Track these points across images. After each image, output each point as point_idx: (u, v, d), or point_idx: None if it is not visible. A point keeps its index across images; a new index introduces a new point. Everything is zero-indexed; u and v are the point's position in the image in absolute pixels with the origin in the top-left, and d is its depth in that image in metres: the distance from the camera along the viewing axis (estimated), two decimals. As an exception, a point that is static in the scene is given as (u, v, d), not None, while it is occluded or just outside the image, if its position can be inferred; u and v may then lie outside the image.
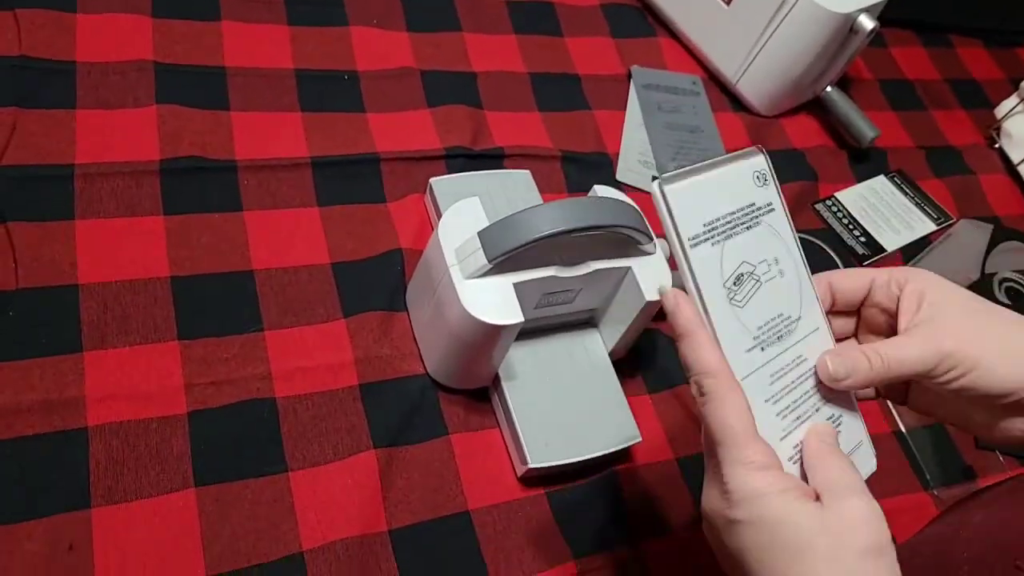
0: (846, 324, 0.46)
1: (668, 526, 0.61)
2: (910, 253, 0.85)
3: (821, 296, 0.43)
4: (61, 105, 0.63)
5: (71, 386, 0.53)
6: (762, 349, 0.40)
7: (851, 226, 0.86)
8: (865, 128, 0.88)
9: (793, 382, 0.41)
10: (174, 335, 0.56)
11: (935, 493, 0.69)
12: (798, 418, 0.41)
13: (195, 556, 0.50)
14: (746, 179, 0.41)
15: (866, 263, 0.83)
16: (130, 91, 0.66)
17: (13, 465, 0.49)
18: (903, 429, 0.72)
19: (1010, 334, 0.40)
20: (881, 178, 0.92)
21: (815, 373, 0.42)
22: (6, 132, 0.60)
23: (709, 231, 0.39)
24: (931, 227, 0.89)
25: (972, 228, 0.89)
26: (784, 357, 0.41)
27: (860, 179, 0.91)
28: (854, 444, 0.43)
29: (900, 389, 0.46)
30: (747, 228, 0.41)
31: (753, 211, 0.41)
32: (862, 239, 0.85)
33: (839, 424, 0.42)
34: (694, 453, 0.65)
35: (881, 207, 0.89)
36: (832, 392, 0.42)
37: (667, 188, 0.38)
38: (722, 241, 0.39)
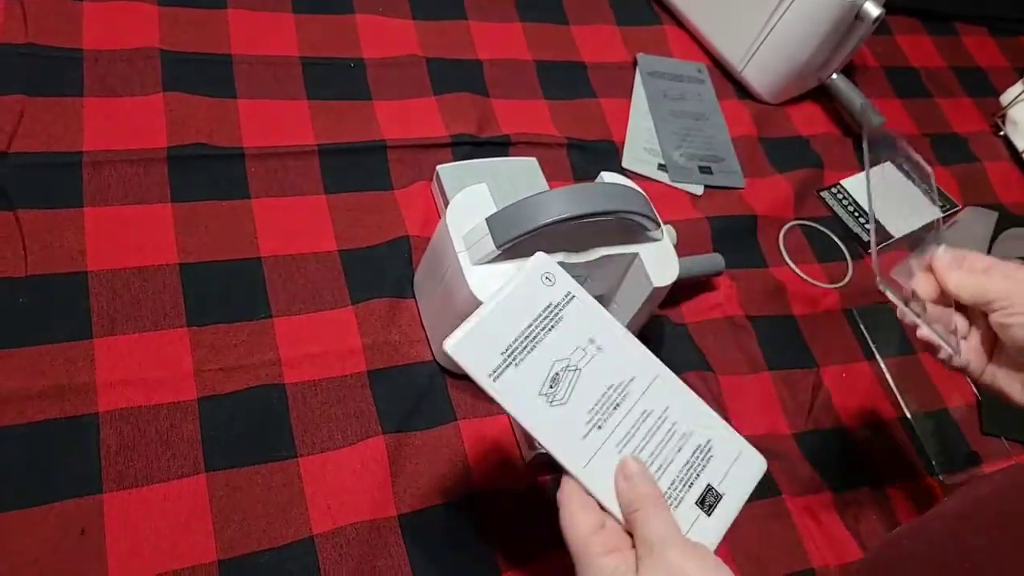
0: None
1: (675, 511, 0.61)
2: (917, 240, 0.85)
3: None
4: (68, 93, 0.63)
5: (82, 372, 0.53)
6: (599, 427, 0.43)
7: (856, 213, 0.86)
8: (871, 115, 0.88)
9: (645, 436, 0.44)
10: (183, 322, 0.57)
11: (941, 479, 0.69)
12: (660, 466, 0.43)
13: (207, 540, 0.50)
14: (535, 286, 0.45)
15: (871, 250, 0.83)
16: (137, 79, 0.66)
17: (25, 450, 0.50)
18: (908, 416, 0.72)
19: None
20: (888, 164, 0.91)
21: (669, 416, 0.45)
22: (14, 120, 0.60)
23: (508, 356, 0.42)
24: (937, 214, 0.88)
25: (977, 215, 0.89)
26: (628, 420, 0.44)
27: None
28: (733, 457, 0.45)
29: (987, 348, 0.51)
30: (551, 328, 0.44)
31: (552, 310, 0.45)
32: (867, 226, 0.85)
33: (711, 447, 0.45)
34: (701, 439, 0.65)
35: (886, 194, 0.88)
36: (692, 424, 0.45)
37: (451, 349, 0.41)
38: (525, 356, 0.43)
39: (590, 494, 0.41)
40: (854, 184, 0.88)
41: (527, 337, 0.43)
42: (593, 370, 0.44)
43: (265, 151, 0.66)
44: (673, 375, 0.46)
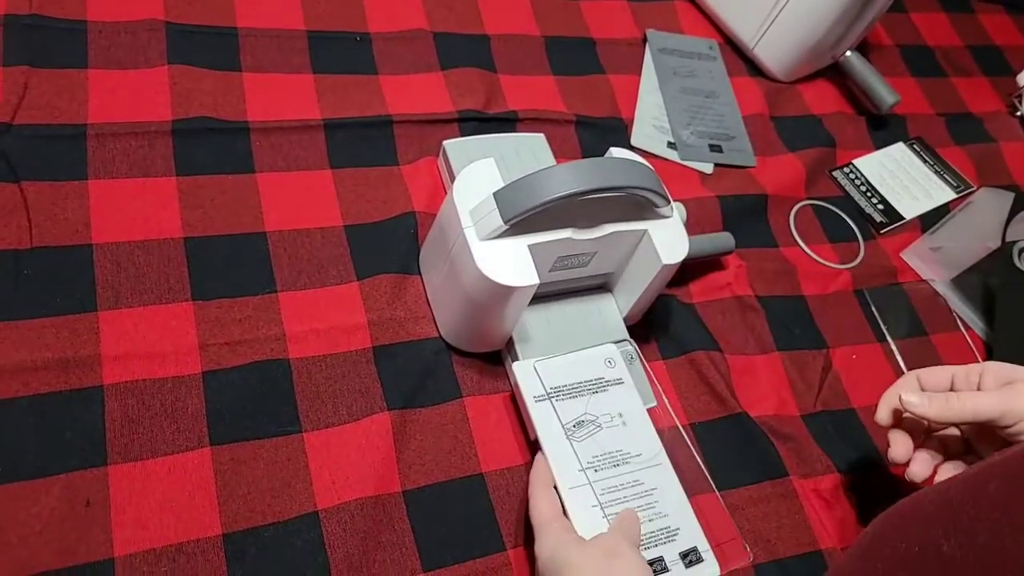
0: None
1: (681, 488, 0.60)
2: (929, 221, 0.84)
3: (912, 389, 0.54)
4: (73, 64, 0.62)
5: (86, 345, 0.53)
6: (596, 470, 0.54)
7: (869, 193, 0.84)
8: (885, 94, 0.87)
9: (628, 497, 0.54)
10: (188, 295, 0.56)
11: None
12: None
13: (211, 513, 0.50)
14: (598, 362, 0.59)
15: (884, 231, 0.82)
16: (141, 51, 0.65)
17: (30, 422, 0.49)
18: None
19: None
20: (900, 145, 0.90)
21: (654, 494, 0.55)
22: (19, 91, 0.59)
23: (554, 393, 0.56)
24: (951, 195, 0.87)
25: (993, 196, 0.88)
26: (620, 479, 0.54)
27: (879, 146, 0.89)
28: (689, 548, 0.54)
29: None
30: (594, 392, 0.57)
31: (601, 383, 0.58)
32: (880, 207, 0.84)
33: (677, 534, 0.54)
34: (707, 419, 0.64)
35: (900, 174, 0.87)
36: (670, 509, 0.55)
37: (516, 367, 0.57)
38: (565, 400, 0.56)
39: (563, 504, 0.52)
40: (867, 164, 0.87)
41: (573, 388, 0.57)
42: (611, 434, 0.56)
43: (270, 125, 0.65)
44: (674, 473, 0.56)
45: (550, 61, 0.80)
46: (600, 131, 0.77)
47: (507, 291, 0.53)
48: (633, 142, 0.78)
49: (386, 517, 0.53)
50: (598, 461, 0.55)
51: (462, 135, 0.70)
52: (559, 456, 0.54)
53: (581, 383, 0.57)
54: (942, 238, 0.81)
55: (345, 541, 0.51)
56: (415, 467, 0.55)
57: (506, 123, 0.73)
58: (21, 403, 0.50)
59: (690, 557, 0.54)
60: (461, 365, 0.60)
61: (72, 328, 0.53)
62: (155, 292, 0.56)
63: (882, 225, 0.83)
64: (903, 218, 0.84)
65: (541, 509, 0.52)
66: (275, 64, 0.69)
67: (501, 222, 0.52)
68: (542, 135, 0.71)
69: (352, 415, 0.56)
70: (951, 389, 0.54)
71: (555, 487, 0.53)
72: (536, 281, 0.53)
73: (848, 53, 0.88)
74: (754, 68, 0.89)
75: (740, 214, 0.77)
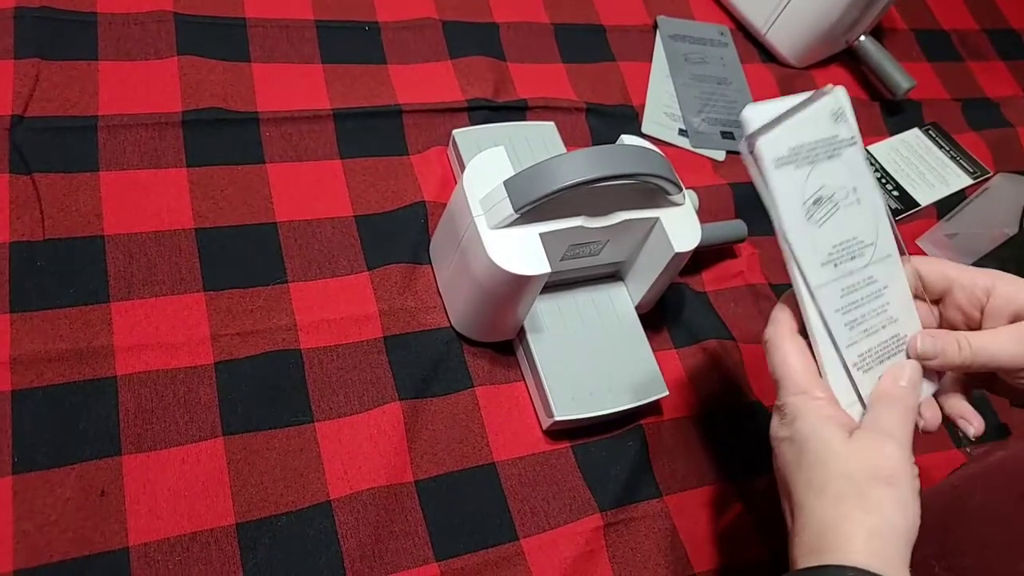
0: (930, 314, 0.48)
1: (694, 479, 0.60)
2: (945, 208, 0.83)
3: (908, 279, 0.46)
4: (83, 57, 0.62)
5: (99, 335, 0.53)
6: (835, 265, 0.44)
7: (884, 180, 0.83)
8: (899, 79, 0.86)
9: (862, 299, 0.45)
10: (200, 286, 0.57)
11: (968, 451, 0.68)
12: (865, 331, 0.44)
13: (224, 503, 0.50)
14: (824, 116, 0.44)
15: (899, 218, 0.81)
16: (151, 42, 0.65)
17: (45, 412, 0.50)
18: (934, 385, 0.71)
19: None
20: (915, 131, 0.89)
21: (884, 292, 0.45)
22: (30, 83, 0.60)
23: (794, 155, 0.42)
24: (967, 181, 0.86)
25: (1010, 182, 0.86)
26: (856, 276, 0.44)
27: (893, 132, 0.88)
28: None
29: (984, 377, 0.47)
30: (828, 157, 0.44)
31: (835, 143, 0.44)
32: (895, 193, 0.83)
33: (902, 344, 0.45)
34: (720, 407, 0.64)
35: (915, 160, 0.86)
36: (900, 313, 0.45)
37: (748, 114, 0.42)
38: (804, 165, 0.43)
39: (809, 319, 0.43)
40: (881, 150, 0.86)
41: (811, 151, 0.43)
42: (847, 215, 0.45)
43: (280, 115, 0.65)
44: (901, 267, 0.46)
45: (560, 49, 0.79)
46: (611, 119, 0.76)
47: (519, 280, 0.53)
48: (644, 130, 0.77)
49: (398, 507, 0.53)
50: (836, 253, 0.44)
51: (472, 124, 0.70)
52: (801, 244, 0.42)
53: (817, 144, 0.43)
54: (958, 225, 0.80)
55: (358, 531, 0.51)
56: (427, 457, 0.55)
57: (516, 111, 0.73)
58: (36, 394, 0.50)
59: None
60: (472, 355, 0.60)
61: (85, 319, 0.53)
62: (167, 283, 0.56)
63: (897, 212, 0.82)
64: (918, 205, 0.83)
65: (793, 365, 0.42)
66: (284, 54, 0.69)
67: (512, 211, 0.52)
68: (552, 123, 0.70)
69: (364, 405, 0.56)
70: (946, 296, 0.46)
71: (802, 311, 0.43)
72: (548, 270, 0.52)
73: (862, 38, 0.87)
74: (766, 54, 0.88)
75: (752, 201, 0.75)
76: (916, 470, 0.40)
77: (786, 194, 0.42)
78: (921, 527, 0.39)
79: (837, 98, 0.44)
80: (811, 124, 0.43)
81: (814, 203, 0.43)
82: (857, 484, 0.38)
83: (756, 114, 0.42)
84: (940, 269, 0.46)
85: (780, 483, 0.43)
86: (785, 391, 0.42)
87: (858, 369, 0.44)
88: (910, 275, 0.47)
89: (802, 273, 0.43)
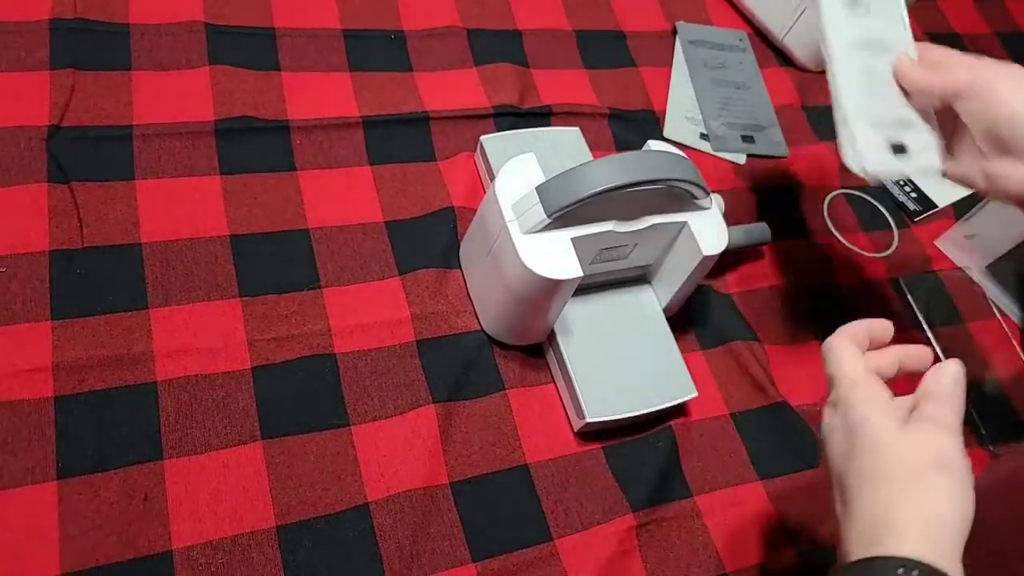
0: None
1: (723, 479, 0.61)
2: (963, 208, 0.84)
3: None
4: (117, 67, 0.63)
5: (139, 342, 0.54)
6: (866, 51, 0.53)
7: (902, 181, 0.84)
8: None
9: (889, 83, 0.53)
10: (236, 292, 0.57)
11: (990, 449, 0.69)
12: (885, 104, 0.53)
13: (265, 507, 0.51)
14: None
15: (917, 219, 0.82)
16: (183, 52, 0.66)
17: (87, 418, 0.50)
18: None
19: None
20: (932, 133, 0.90)
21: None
22: (66, 94, 0.60)
23: None
24: (984, 183, 0.87)
25: None
26: (883, 63, 0.53)
27: (910, 135, 0.89)
28: (922, 146, 0.53)
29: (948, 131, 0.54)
30: None
31: None
32: (913, 195, 0.84)
33: (911, 125, 0.53)
34: (747, 408, 0.65)
35: (932, 163, 0.87)
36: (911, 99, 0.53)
37: None
38: None
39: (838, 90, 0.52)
40: (899, 152, 0.86)
41: None
42: (881, 8, 0.54)
43: (310, 123, 0.66)
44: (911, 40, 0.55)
45: (582, 55, 0.80)
46: (633, 124, 0.77)
47: (551, 284, 0.53)
48: (666, 134, 0.78)
49: (435, 508, 0.54)
50: (870, 41, 0.54)
51: (497, 130, 0.71)
52: (845, 70, 0.53)
53: None
54: (976, 225, 0.81)
55: (396, 532, 0.52)
56: (461, 459, 0.56)
57: (541, 117, 0.73)
58: (78, 400, 0.51)
59: (921, 152, 0.53)
60: (503, 358, 0.61)
61: (125, 326, 0.54)
62: (203, 289, 0.57)
63: (916, 213, 0.82)
64: (936, 206, 0.84)
65: (846, 363, 0.43)
66: (313, 63, 0.69)
67: (544, 216, 0.52)
68: (577, 129, 0.71)
69: (398, 408, 0.57)
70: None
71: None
72: (580, 274, 0.53)
73: (878, 41, 0.88)
74: (784, 58, 0.89)
75: (774, 204, 0.77)
76: (969, 461, 0.39)
77: (835, 22, 0.53)
78: None
79: None
80: None
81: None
82: (915, 470, 0.38)
83: None
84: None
85: (833, 476, 0.42)
86: (837, 386, 0.43)
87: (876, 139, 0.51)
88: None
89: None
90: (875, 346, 0.47)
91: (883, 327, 0.47)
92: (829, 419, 0.43)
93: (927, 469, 0.38)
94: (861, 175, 0.52)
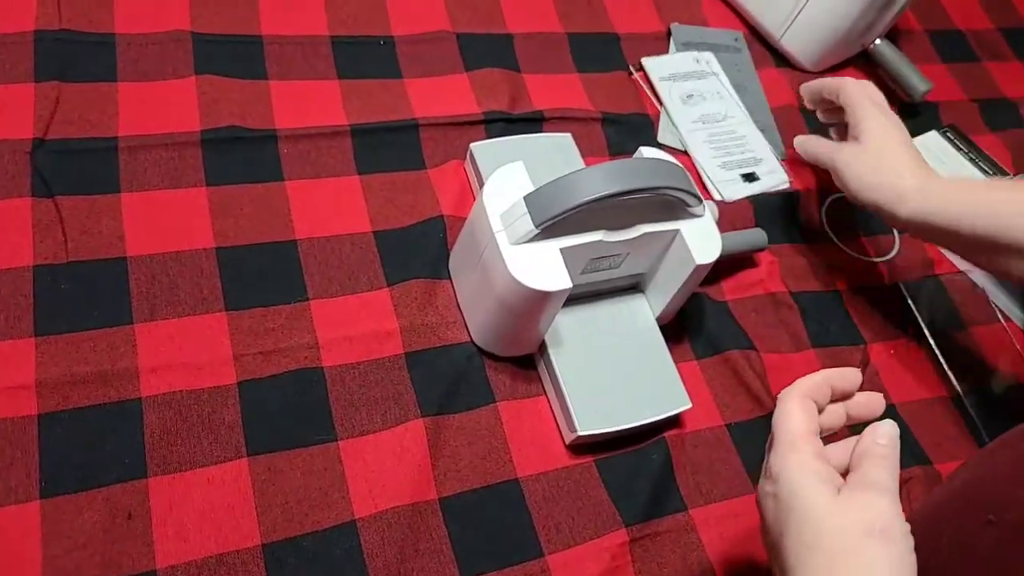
0: None
1: (718, 492, 0.60)
2: (965, 211, 0.82)
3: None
4: (102, 78, 0.63)
5: (123, 357, 0.53)
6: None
7: (902, 184, 0.82)
8: (916, 81, 0.85)
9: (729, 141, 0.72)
10: (221, 306, 0.57)
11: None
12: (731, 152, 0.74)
13: (250, 524, 0.50)
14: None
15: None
16: (169, 62, 0.65)
17: (70, 435, 0.50)
18: (959, 392, 0.70)
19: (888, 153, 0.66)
20: (933, 134, 0.88)
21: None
22: (50, 106, 0.60)
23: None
24: (986, 184, 0.85)
25: (1030, 184, 0.86)
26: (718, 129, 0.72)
27: (911, 135, 0.87)
28: (769, 170, 0.71)
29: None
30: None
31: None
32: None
33: (759, 161, 0.69)
34: (743, 419, 0.64)
35: (934, 164, 0.85)
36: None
37: None
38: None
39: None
40: (899, 154, 0.85)
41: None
42: (711, 96, 0.76)
43: (298, 132, 0.65)
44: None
45: (574, 58, 0.79)
46: (626, 128, 0.76)
47: (540, 296, 0.52)
48: (660, 139, 0.77)
49: (423, 525, 0.53)
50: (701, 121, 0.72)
51: (488, 136, 0.70)
52: (694, 139, 0.68)
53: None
54: (979, 228, 0.79)
55: (383, 550, 0.51)
56: (450, 473, 0.55)
57: (532, 123, 0.72)
58: (61, 417, 0.50)
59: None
60: (493, 370, 0.60)
61: (109, 341, 0.53)
62: (189, 303, 0.56)
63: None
64: (938, 208, 0.82)
65: (787, 422, 0.42)
66: (301, 71, 0.69)
67: (532, 226, 0.52)
68: (569, 135, 0.70)
69: (386, 422, 0.56)
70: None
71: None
72: (569, 285, 0.52)
73: (878, 41, 0.86)
74: (781, 59, 0.88)
75: (771, 210, 0.75)
76: (908, 526, 0.39)
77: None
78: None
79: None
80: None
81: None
82: (853, 540, 0.37)
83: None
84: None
85: (769, 547, 0.42)
86: (776, 447, 0.42)
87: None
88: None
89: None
90: (839, 397, 0.46)
91: (847, 378, 0.46)
92: (763, 485, 0.43)
93: (865, 539, 0.37)
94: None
